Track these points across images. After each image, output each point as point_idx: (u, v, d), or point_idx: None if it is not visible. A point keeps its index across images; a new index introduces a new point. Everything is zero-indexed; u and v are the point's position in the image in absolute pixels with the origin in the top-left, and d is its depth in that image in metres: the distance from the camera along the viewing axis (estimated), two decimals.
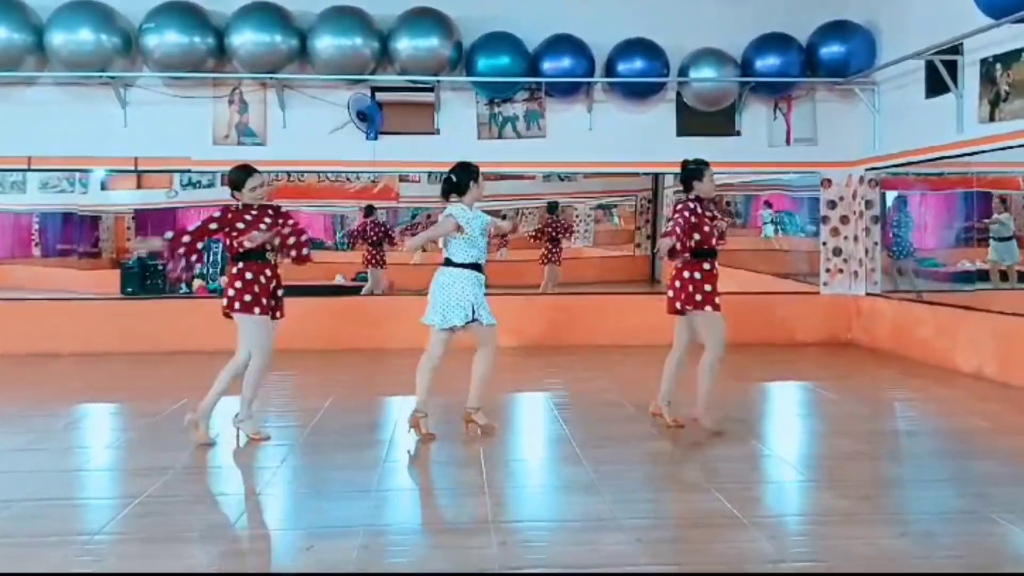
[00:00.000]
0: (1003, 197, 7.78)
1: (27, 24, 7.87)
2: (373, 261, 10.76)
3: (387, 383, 6.92)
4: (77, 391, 6.72)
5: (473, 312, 4.95)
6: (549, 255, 11.10)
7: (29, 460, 4.69)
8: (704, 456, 4.69)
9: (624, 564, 3.20)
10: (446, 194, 5.14)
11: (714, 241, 5.12)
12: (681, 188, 5.40)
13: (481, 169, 5.23)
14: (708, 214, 5.15)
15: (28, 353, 8.12)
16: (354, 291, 10.56)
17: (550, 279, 10.99)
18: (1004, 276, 7.67)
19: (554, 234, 11.19)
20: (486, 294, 5.09)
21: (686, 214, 5.08)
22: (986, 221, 7.78)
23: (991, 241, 7.77)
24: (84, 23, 7.82)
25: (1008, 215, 7.68)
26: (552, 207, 11.61)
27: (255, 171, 5.06)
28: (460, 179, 5.10)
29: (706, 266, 5.10)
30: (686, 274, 5.10)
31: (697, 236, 5.06)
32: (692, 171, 5.26)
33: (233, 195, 5.03)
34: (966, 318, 7.27)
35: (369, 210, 11.07)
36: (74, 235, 10.62)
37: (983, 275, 7.93)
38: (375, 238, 10.78)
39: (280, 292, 5.05)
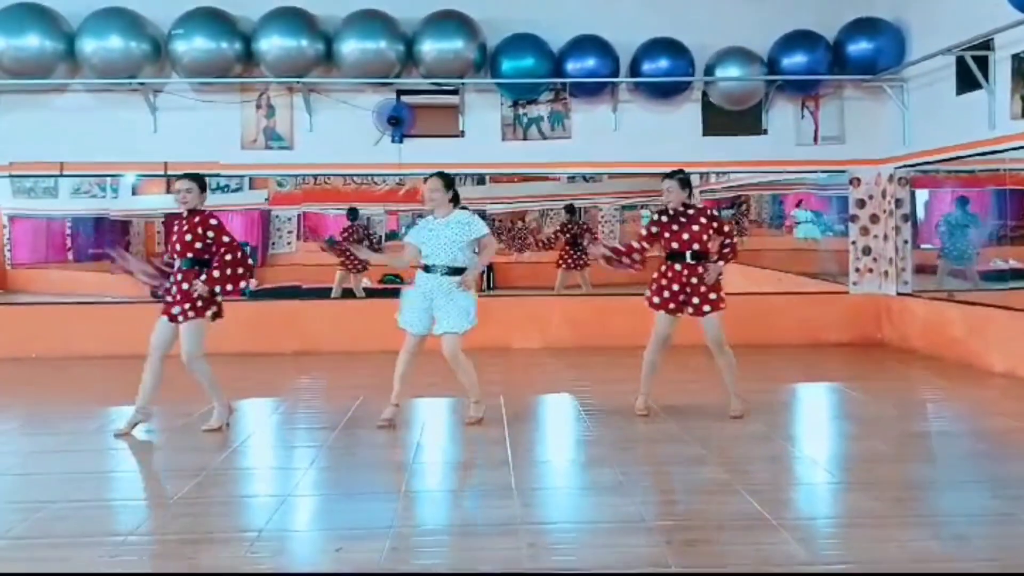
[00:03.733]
0: None
1: (59, 32, 8.01)
2: (353, 265, 10.68)
3: (415, 384, 6.94)
4: (110, 393, 6.80)
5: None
6: (568, 258, 10.98)
7: (62, 462, 4.76)
8: (733, 457, 4.66)
9: (653, 566, 3.18)
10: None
11: (676, 245, 5.42)
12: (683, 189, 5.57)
13: (437, 176, 5.45)
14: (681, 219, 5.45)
15: (61, 356, 8.26)
16: (380, 293, 10.59)
17: (564, 283, 10.89)
18: None
19: (573, 237, 11.11)
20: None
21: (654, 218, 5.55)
22: None
23: None
24: (114, 30, 7.94)
25: None
26: (570, 209, 11.57)
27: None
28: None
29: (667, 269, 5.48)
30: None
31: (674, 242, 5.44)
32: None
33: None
34: (999, 317, 7.16)
35: (353, 214, 11.01)
36: (105, 239, 10.76)
37: (1016, 273, 7.81)
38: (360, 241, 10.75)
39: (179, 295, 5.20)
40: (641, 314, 8.94)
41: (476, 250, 5.39)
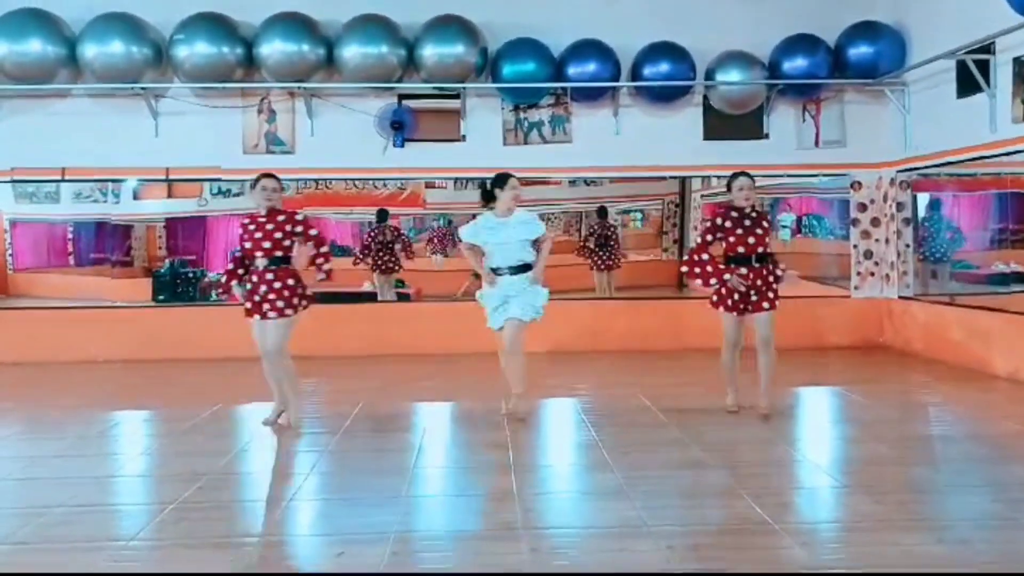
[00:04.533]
0: None
1: (60, 37, 8.03)
2: (385, 267, 10.71)
3: (416, 389, 6.96)
4: (112, 398, 6.81)
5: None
6: (600, 260, 11.04)
7: (64, 466, 4.76)
8: (735, 462, 4.65)
9: (655, 571, 3.18)
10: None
11: (742, 249, 5.44)
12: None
13: (510, 176, 5.65)
14: (745, 223, 5.47)
15: (63, 360, 8.26)
16: (372, 298, 10.58)
17: (601, 284, 10.94)
18: None
19: (603, 239, 11.15)
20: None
21: (717, 221, 5.54)
22: None
23: None
24: (115, 35, 7.96)
25: None
26: (602, 212, 11.59)
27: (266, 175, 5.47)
28: (491, 188, 5.59)
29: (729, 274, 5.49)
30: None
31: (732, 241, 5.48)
32: (727, 183, 5.63)
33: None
34: (1001, 320, 7.15)
35: (382, 215, 11.03)
36: (107, 244, 10.76)
37: (1019, 277, 7.80)
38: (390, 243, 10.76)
39: (270, 295, 5.26)
40: (643, 317, 8.98)
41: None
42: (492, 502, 4.01)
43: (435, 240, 11.96)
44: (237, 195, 10.64)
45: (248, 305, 5.34)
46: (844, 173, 8.95)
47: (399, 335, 8.69)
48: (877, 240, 8.91)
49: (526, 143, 8.78)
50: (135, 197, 10.80)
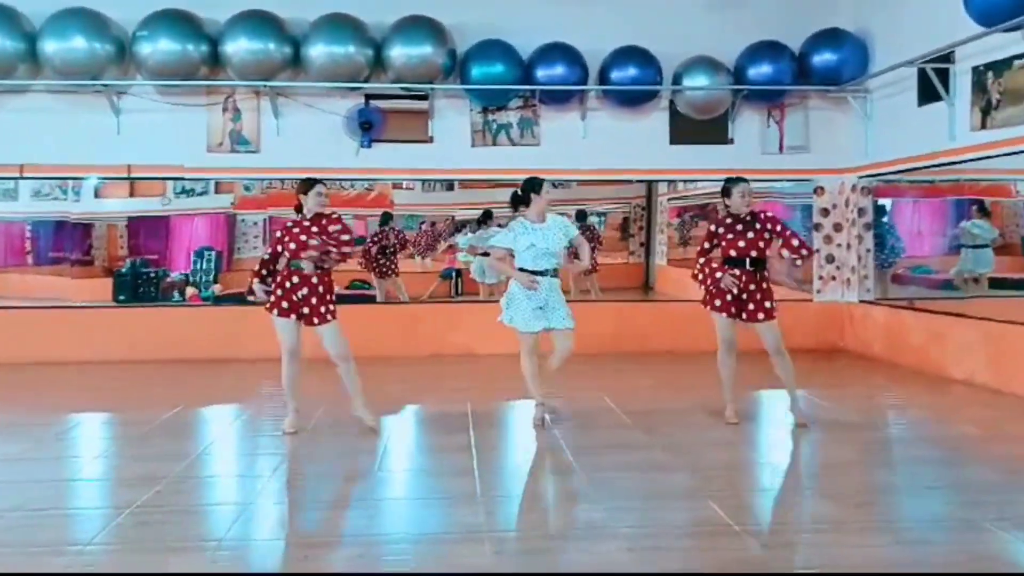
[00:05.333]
0: (980, 203, 7.79)
1: (20, 32, 7.87)
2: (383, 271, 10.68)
3: (377, 393, 6.90)
4: (70, 400, 6.69)
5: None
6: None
7: (21, 470, 4.66)
8: (697, 464, 4.68)
9: (617, 572, 3.19)
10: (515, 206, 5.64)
11: (734, 252, 5.49)
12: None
13: (539, 178, 5.63)
14: (737, 227, 5.53)
15: (21, 361, 8.09)
16: (346, 299, 10.51)
17: (578, 288, 10.96)
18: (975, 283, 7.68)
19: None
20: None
21: (711, 228, 5.60)
22: (964, 225, 7.77)
23: (963, 249, 7.76)
24: (77, 31, 7.82)
25: (985, 222, 7.68)
26: (581, 215, 11.62)
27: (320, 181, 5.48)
28: (523, 192, 5.58)
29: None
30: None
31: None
32: (723, 189, 5.65)
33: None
34: (958, 325, 7.29)
35: (386, 217, 10.99)
36: (66, 243, 10.57)
37: (976, 283, 7.94)
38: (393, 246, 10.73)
39: (313, 298, 5.27)
40: (608, 319, 9.02)
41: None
42: (455, 505, 4.00)
43: (421, 242, 11.93)
44: (201, 194, 10.52)
45: (285, 304, 5.26)
46: (807, 178, 9.06)
47: (363, 337, 8.61)
48: (839, 245, 9.04)
49: (494, 145, 8.78)
50: (96, 195, 10.62)
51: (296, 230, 5.32)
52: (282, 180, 9.68)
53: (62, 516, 3.93)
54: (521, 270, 5.43)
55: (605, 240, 13.17)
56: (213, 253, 10.70)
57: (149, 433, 5.42)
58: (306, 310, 5.26)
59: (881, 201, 8.89)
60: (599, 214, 13.10)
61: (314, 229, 5.30)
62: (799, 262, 5.54)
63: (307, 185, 5.41)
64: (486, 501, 4.01)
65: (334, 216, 5.41)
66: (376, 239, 10.78)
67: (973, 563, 3.29)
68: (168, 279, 10.44)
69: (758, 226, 5.49)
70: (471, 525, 3.68)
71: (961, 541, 3.51)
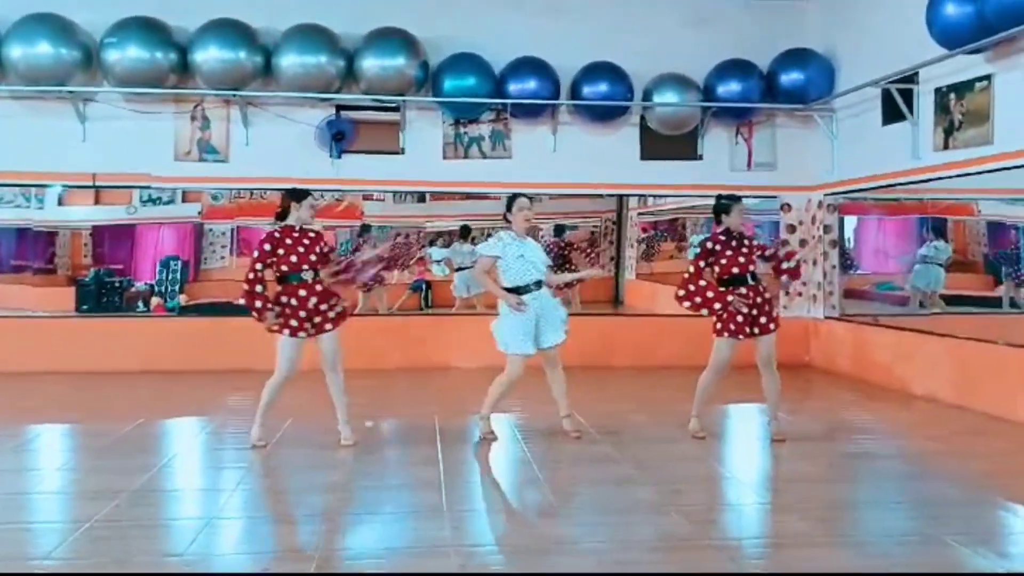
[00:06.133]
0: (937, 226, 7.93)
1: None
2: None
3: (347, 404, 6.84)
4: (29, 411, 6.55)
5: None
6: None
7: None
8: (664, 478, 4.69)
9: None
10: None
11: (736, 270, 5.51)
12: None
13: (519, 194, 5.67)
14: (733, 244, 5.55)
15: None
16: None
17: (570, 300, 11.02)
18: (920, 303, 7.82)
19: (559, 257, 11.24)
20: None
21: (707, 245, 5.54)
22: (935, 246, 7.92)
23: (919, 267, 7.89)
24: (43, 37, 7.69)
25: (941, 242, 7.82)
26: (559, 230, 11.66)
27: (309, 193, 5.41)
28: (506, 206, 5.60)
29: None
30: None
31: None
32: (720, 206, 5.66)
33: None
34: (921, 341, 7.39)
35: (365, 229, 10.96)
36: (28, 251, 10.41)
37: (944, 300, 8.08)
38: None
39: (322, 305, 5.23)
40: (576, 333, 9.01)
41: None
42: (421, 519, 3.96)
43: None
44: (168, 203, 10.42)
45: (294, 322, 5.13)
46: (775, 195, 9.17)
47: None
48: (805, 261, 9.12)
49: (466, 157, 8.78)
50: (60, 203, 10.50)
51: (289, 242, 5.21)
52: (251, 190, 9.63)
53: (19, 530, 3.84)
54: (510, 289, 5.35)
55: (574, 255, 13.25)
56: (179, 263, 10.60)
57: (110, 446, 5.32)
58: (318, 319, 5.19)
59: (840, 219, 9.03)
60: (570, 228, 13.19)
61: (307, 240, 5.25)
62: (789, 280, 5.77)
63: (299, 195, 5.33)
64: (452, 515, 3.98)
65: (326, 238, 5.46)
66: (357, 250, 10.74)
67: None
68: (133, 289, 10.32)
69: (747, 243, 5.57)
70: (437, 539, 3.65)
71: (923, 555, 3.54)
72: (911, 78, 7.26)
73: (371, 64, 8.11)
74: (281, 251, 5.18)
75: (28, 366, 8.03)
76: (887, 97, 7.60)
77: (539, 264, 5.46)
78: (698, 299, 5.46)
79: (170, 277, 10.40)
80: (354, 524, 3.99)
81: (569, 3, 8.74)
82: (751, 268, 5.53)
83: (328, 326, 5.23)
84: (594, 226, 13.25)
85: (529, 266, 5.40)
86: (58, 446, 5.66)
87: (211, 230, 11.42)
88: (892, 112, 7.58)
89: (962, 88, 6.76)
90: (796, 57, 8.59)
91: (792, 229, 9.16)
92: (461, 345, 8.65)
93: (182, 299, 10.44)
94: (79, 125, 8.21)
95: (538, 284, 5.43)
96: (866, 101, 7.98)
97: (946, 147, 6.97)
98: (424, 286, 11.80)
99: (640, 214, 12.47)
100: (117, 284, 10.07)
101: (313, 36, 8.06)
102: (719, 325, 5.50)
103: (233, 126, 8.47)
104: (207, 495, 4.48)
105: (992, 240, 8.52)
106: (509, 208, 5.55)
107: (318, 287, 5.22)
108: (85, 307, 9.72)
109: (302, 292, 5.16)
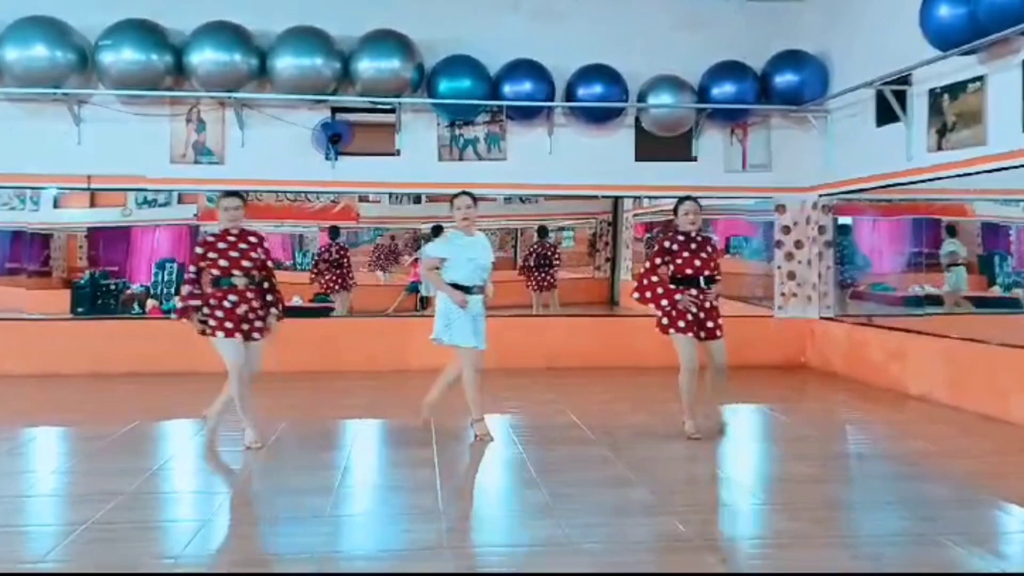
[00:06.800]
0: (950, 225, 7.94)
1: None
2: (341, 284, 10.67)
3: (341, 407, 6.86)
4: (24, 413, 6.55)
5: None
6: (537, 280, 11.20)
7: None
8: (660, 479, 4.71)
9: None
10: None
11: (690, 271, 5.55)
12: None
13: (457, 192, 5.65)
14: (692, 246, 5.58)
15: None
16: (310, 313, 10.46)
17: (539, 303, 11.08)
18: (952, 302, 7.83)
19: (542, 258, 11.29)
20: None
21: (665, 244, 5.59)
22: (952, 246, 7.90)
23: (948, 268, 7.89)
24: (38, 39, 7.69)
25: (955, 240, 7.83)
26: (542, 232, 11.70)
27: (228, 194, 5.46)
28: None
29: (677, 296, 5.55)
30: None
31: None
32: (674, 208, 5.74)
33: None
34: (916, 342, 7.42)
35: (335, 232, 10.97)
36: (24, 254, 10.39)
37: (932, 300, 8.09)
38: (340, 260, 10.73)
39: (251, 315, 5.23)
40: (572, 334, 9.05)
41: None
42: (417, 521, 3.97)
43: (381, 256, 11.93)
44: (163, 205, 10.41)
45: (229, 324, 5.16)
46: (769, 196, 9.19)
47: (327, 351, 8.56)
48: (800, 262, 9.16)
49: (461, 159, 8.79)
50: (55, 205, 10.47)
51: (223, 246, 5.24)
52: (246, 192, 9.60)
53: (14, 533, 3.84)
54: (455, 285, 5.40)
55: (571, 256, 13.28)
56: (175, 265, 10.58)
57: (106, 448, 5.32)
58: (246, 326, 5.21)
59: (844, 220, 9.04)
60: (565, 229, 13.22)
61: (243, 245, 5.26)
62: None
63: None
64: (448, 516, 3.99)
65: (266, 245, 5.42)
66: (321, 253, 10.76)
67: None
68: (128, 291, 10.30)
69: (709, 248, 5.61)
70: (432, 541, 3.66)
71: (917, 555, 3.55)
72: (905, 79, 7.29)
73: (366, 66, 8.11)
74: (212, 255, 5.21)
75: (23, 369, 8.02)
76: (881, 98, 7.63)
77: (486, 267, 5.50)
78: (648, 294, 5.57)
79: (166, 279, 10.38)
80: (350, 525, 3.99)
81: (564, 5, 8.75)
82: (705, 272, 5.56)
83: (256, 335, 5.25)
84: (590, 227, 13.29)
85: (478, 269, 5.45)
86: (54, 449, 5.66)
87: (207, 232, 11.41)
88: (886, 113, 7.60)
89: (955, 89, 6.79)
90: (790, 58, 8.61)
91: (787, 230, 9.19)
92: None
93: (178, 301, 10.44)
94: (74, 127, 8.20)
95: (480, 289, 5.48)
96: (860, 102, 8.01)
97: (940, 148, 6.99)
98: (420, 287, 11.81)
99: (636, 215, 12.49)
100: (113, 286, 10.06)
101: (308, 38, 8.06)
102: (665, 321, 5.57)
103: (228, 128, 8.47)
104: (203, 497, 4.48)
105: (986, 241, 8.54)
106: (451, 204, 5.60)
107: (249, 294, 5.21)
108: (81, 309, 9.70)
109: (232, 297, 5.19)
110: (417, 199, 11.23)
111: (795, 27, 8.85)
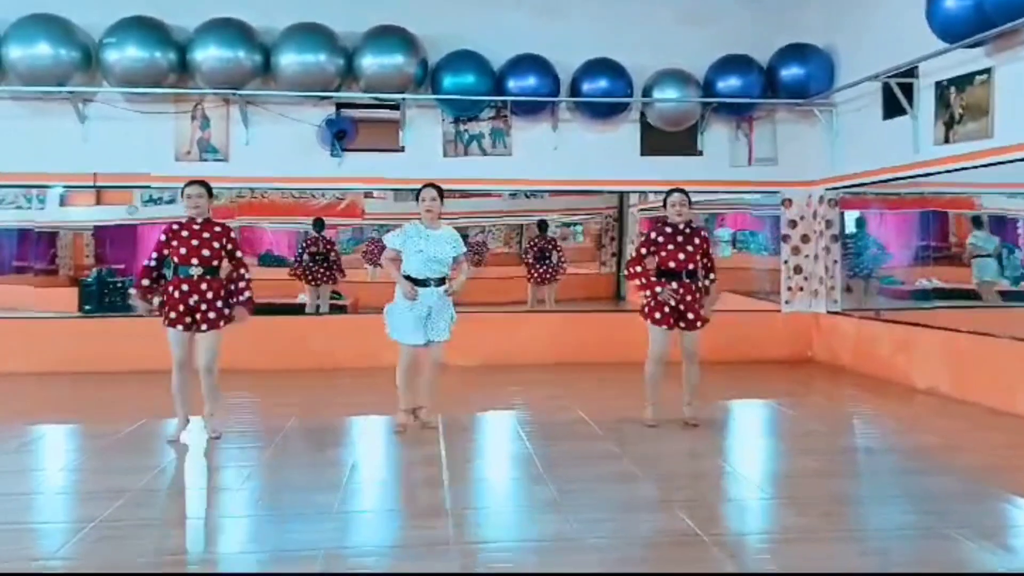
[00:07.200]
0: (976, 217, 7.87)
1: None
2: (327, 277, 10.65)
3: (349, 403, 6.87)
4: (32, 411, 6.57)
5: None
6: (538, 274, 11.18)
7: None
8: (667, 474, 4.70)
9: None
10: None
11: (672, 264, 5.60)
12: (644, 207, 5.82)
13: (428, 184, 5.69)
14: (678, 238, 5.63)
15: None
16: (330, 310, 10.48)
17: (535, 297, 11.08)
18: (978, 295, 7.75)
19: (541, 252, 11.27)
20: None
21: (652, 235, 5.65)
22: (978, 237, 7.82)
23: (978, 260, 7.82)
24: (42, 37, 7.70)
25: (983, 232, 7.74)
26: (542, 226, 11.68)
27: (192, 182, 5.44)
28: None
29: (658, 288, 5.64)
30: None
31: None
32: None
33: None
34: (922, 335, 7.39)
35: (319, 225, 10.93)
36: (31, 252, 10.42)
37: (939, 293, 8.05)
38: (325, 254, 10.71)
39: (203, 304, 5.22)
40: (580, 329, 9.04)
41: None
42: (424, 517, 3.97)
43: (373, 251, 11.88)
44: (169, 203, 10.40)
45: (172, 315, 5.21)
46: (775, 190, 9.16)
47: (333, 347, 8.57)
48: (807, 256, 9.14)
49: (466, 155, 8.78)
50: (61, 204, 10.49)
51: (186, 234, 5.26)
52: (251, 189, 9.63)
53: (23, 531, 3.84)
54: (407, 277, 5.44)
55: (576, 251, 13.27)
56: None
57: (113, 445, 5.34)
58: (190, 319, 5.22)
59: (860, 214, 8.99)
60: (575, 224, 13.21)
61: (206, 235, 5.27)
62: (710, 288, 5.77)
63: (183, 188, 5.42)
64: (455, 513, 3.99)
65: (233, 235, 5.40)
66: (306, 246, 10.73)
67: (936, 571, 3.33)
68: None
69: (697, 241, 5.61)
70: (439, 538, 3.66)
71: (922, 549, 3.55)
72: (911, 72, 7.26)
73: (370, 62, 8.11)
74: (175, 243, 5.24)
75: (31, 367, 8.05)
76: (887, 91, 7.60)
77: (440, 260, 5.46)
78: (636, 281, 5.73)
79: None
80: (357, 522, 4.00)
81: (568, 0, 8.73)
82: (689, 266, 5.60)
83: (204, 326, 5.23)
84: (595, 223, 13.27)
85: (428, 262, 5.44)
86: (62, 446, 5.67)
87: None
88: (892, 106, 7.58)
89: (962, 82, 6.76)
90: (796, 52, 8.58)
91: (793, 224, 9.16)
92: (461, 342, 8.62)
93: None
94: (79, 125, 8.22)
95: (441, 281, 5.47)
96: (866, 95, 7.97)
97: (947, 141, 6.96)
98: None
99: (641, 210, 12.47)
100: (119, 284, 10.06)
101: (312, 35, 8.06)
102: (646, 310, 5.68)
103: (233, 125, 8.47)
104: (212, 494, 4.49)
105: (994, 234, 8.48)
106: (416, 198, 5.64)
107: (203, 285, 5.21)
108: (88, 307, 9.72)
109: (184, 287, 5.21)
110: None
111: (800, 20, 8.82)
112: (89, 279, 10.17)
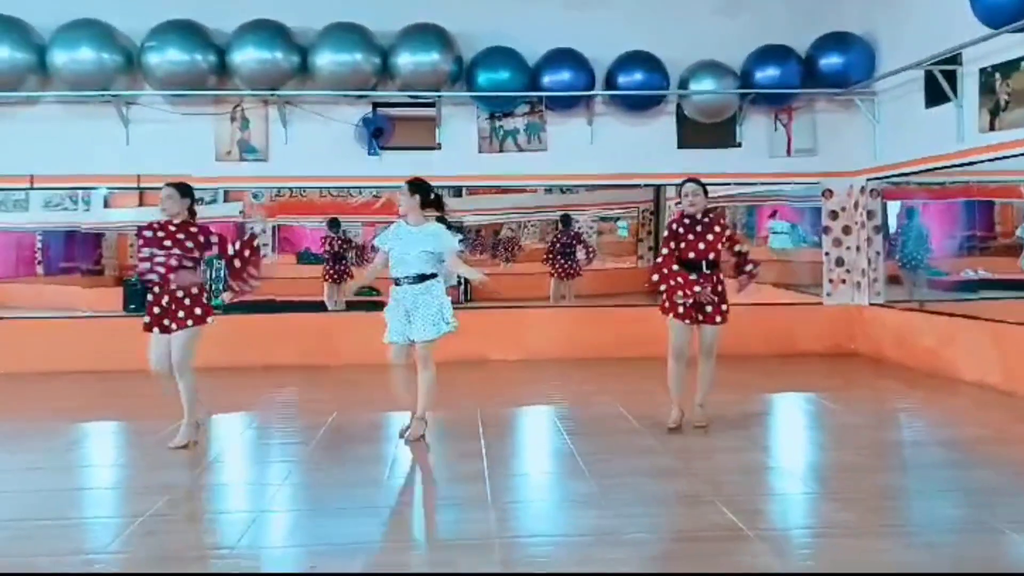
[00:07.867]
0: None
1: (29, 43, 7.93)
2: (339, 276, 10.75)
3: (388, 399, 6.91)
4: (80, 410, 6.72)
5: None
6: (560, 268, 11.14)
7: (31, 479, 4.68)
8: (708, 469, 4.67)
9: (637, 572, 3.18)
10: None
11: (693, 254, 5.40)
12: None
13: (405, 183, 5.49)
14: (697, 228, 5.44)
15: (31, 371, 8.12)
16: (355, 306, 10.55)
17: (557, 292, 11.04)
18: None
19: (564, 247, 11.24)
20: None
21: (673, 227, 5.48)
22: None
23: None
24: (85, 42, 7.87)
25: None
26: (565, 220, 11.65)
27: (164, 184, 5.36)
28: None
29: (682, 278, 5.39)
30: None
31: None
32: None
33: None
34: (968, 327, 7.25)
35: (334, 224, 11.01)
36: (77, 253, 10.65)
37: (985, 283, 7.91)
38: (342, 253, 10.81)
39: (172, 304, 5.13)
40: (619, 324, 9.01)
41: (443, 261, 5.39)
42: (466, 511, 3.99)
43: None
44: (210, 203, 10.57)
45: (147, 319, 5.15)
46: (816, 181, 9.04)
47: (370, 343, 8.62)
48: (848, 248, 9.00)
49: (501, 151, 8.79)
50: (106, 205, 10.71)
51: (161, 235, 5.18)
52: (290, 188, 9.75)
53: (73, 526, 3.94)
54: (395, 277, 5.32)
55: (616, 245, 13.21)
56: (223, 262, 10.74)
57: (159, 442, 5.43)
58: (167, 320, 5.11)
59: (911, 204, 8.84)
60: (619, 219, 13.14)
61: (180, 236, 5.17)
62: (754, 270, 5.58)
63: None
64: (497, 507, 4.01)
65: (213, 240, 5.29)
66: (323, 245, 10.81)
67: (984, 566, 3.27)
68: None
69: (717, 229, 5.43)
70: (482, 532, 3.68)
71: (973, 544, 3.48)
72: (954, 59, 7.11)
73: (406, 60, 8.16)
74: (146, 249, 5.18)
75: (78, 365, 8.22)
76: (930, 79, 7.45)
77: (414, 257, 5.22)
78: (672, 282, 5.36)
79: (214, 276, 10.55)
80: (400, 517, 4.03)
81: None
82: (710, 255, 5.39)
83: (173, 326, 5.10)
84: (632, 217, 13.21)
85: (398, 262, 5.26)
86: (109, 443, 5.80)
87: (252, 229, 11.59)
88: (935, 94, 7.43)
89: (1008, 68, 6.60)
90: (835, 40, 8.44)
91: (834, 215, 9.03)
92: (500, 337, 8.68)
93: (226, 297, 10.61)
94: (122, 128, 8.38)
95: (419, 278, 5.23)
96: (908, 83, 7.83)
97: (992, 128, 6.81)
98: (464, 279, 11.83)
99: (678, 203, 12.38)
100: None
101: (348, 34, 8.12)
102: (667, 304, 5.45)
103: (272, 125, 8.58)
104: (255, 489, 4.55)
105: None
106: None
107: (172, 286, 5.11)
108: (132, 306, 9.91)
109: (156, 289, 5.14)
110: (458, 192, 11.26)
111: (839, 8, 8.68)
112: (133, 279, 10.36)
